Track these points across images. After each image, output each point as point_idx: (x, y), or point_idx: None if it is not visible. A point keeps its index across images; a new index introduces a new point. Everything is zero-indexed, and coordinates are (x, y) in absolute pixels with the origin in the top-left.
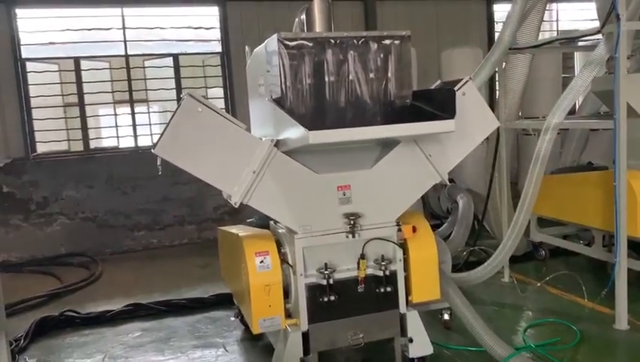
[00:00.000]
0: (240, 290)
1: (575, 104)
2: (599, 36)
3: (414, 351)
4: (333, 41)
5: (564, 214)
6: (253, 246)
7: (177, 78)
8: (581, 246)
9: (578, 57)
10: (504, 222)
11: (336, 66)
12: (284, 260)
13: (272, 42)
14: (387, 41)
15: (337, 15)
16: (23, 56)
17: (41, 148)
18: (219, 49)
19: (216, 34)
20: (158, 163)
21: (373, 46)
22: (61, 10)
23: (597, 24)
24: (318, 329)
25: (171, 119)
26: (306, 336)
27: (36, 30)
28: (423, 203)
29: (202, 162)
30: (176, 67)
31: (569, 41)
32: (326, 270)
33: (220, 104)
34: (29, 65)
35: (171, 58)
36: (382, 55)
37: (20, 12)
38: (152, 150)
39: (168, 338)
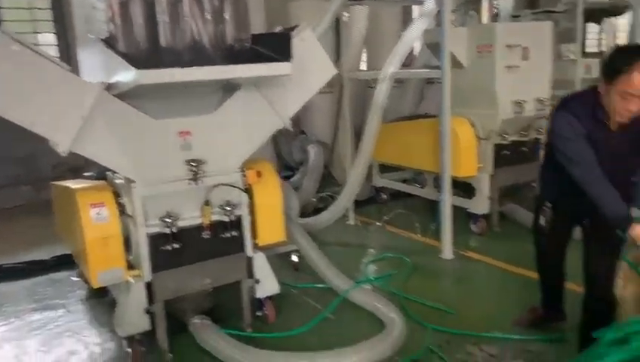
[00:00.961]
0: (77, 246)
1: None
2: None
3: (261, 292)
4: None
5: (401, 160)
6: (88, 198)
7: None
8: (416, 188)
9: (416, 12)
10: (348, 169)
11: (170, 6)
12: (122, 211)
13: None
14: None
15: None
16: None
17: None
18: None
19: None
20: None
21: None
22: None
23: None
24: (162, 277)
25: None
26: (149, 286)
27: None
28: (277, 156)
29: (22, 107)
30: None
31: None
32: (169, 218)
33: (53, 53)
34: None
35: None
36: None
37: None
38: None
39: (0, 304)
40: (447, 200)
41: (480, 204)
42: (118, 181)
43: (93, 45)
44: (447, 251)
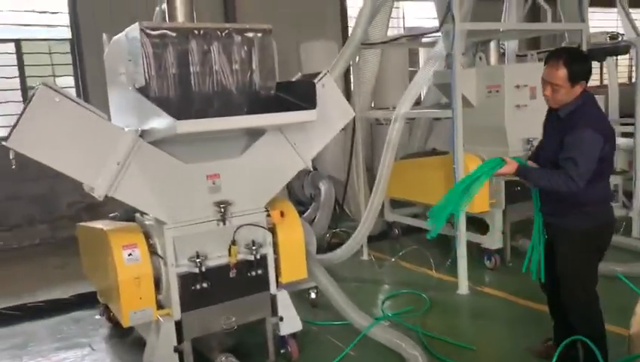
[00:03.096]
0: (107, 286)
1: (420, 95)
2: (440, 34)
3: (285, 329)
4: (196, 32)
5: (412, 195)
6: (121, 240)
7: (21, 65)
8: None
9: (422, 53)
10: (361, 205)
11: (201, 57)
12: (153, 251)
13: (133, 31)
14: (250, 34)
15: (196, 2)
16: None
17: None
18: (68, 35)
19: (65, 19)
20: (11, 156)
21: (237, 38)
22: None
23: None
24: (190, 316)
25: (25, 109)
26: (179, 325)
27: None
28: (288, 191)
29: (62, 154)
30: (19, 54)
31: (414, 38)
32: (197, 258)
33: (72, 94)
34: None
35: (13, 44)
36: (245, 47)
37: None
38: (4, 142)
39: (26, 344)
40: (462, 236)
41: (493, 240)
42: (147, 222)
43: (126, 93)
44: (463, 287)
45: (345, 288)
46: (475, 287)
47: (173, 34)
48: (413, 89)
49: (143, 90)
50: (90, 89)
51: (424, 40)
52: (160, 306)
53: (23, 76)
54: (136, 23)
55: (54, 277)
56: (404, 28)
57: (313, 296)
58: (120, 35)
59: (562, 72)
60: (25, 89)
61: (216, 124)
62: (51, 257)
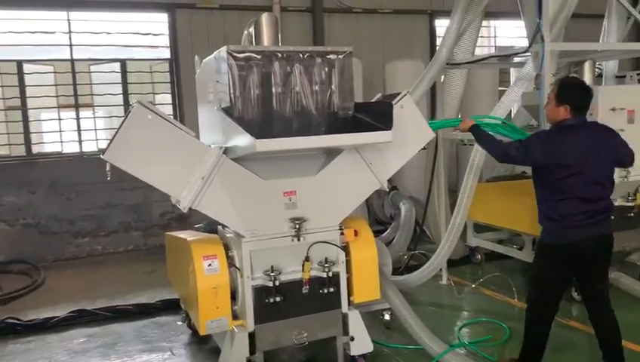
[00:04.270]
0: (187, 294)
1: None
2: (529, 53)
3: (355, 349)
4: (279, 54)
5: (498, 220)
6: (202, 250)
7: (124, 83)
8: (514, 250)
9: (513, 72)
10: (442, 227)
11: (283, 78)
12: (231, 263)
13: (221, 54)
14: (331, 56)
15: (286, 26)
16: None
17: None
18: (167, 55)
19: (165, 40)
20: (107, 168)
21: (318, 60)
22: (3, 11)
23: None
24: (263, 329)
25: (121, 126)
26: (252, 336)
27: None
28: (368, 209)
29: (152, 168)
30: (124, 72)
31: (503, 58)
32: (272, 272)
33: (168, 110)
34: None
35: (118, 63)
36: (326, 69)
37: None
38: (101, 155)
39: (114, 344)
40: None
41: None
42: (228, 235)
43: (213, 111)
44: None
45: (421, 312)
46: (560, 320)
47: (258, 56)
48: (500, 110)
49: (228, 110)
50: (186, 107)
51: (514, 60)
52: (235, 317)
53: (126, 93)
54: (224, 47)
55: (143, 282)
56: (495, 47)
57: (387, 317)
58: (210, 57)
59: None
60: (128, 104)
61: (293, 144)
62: (142, 263)
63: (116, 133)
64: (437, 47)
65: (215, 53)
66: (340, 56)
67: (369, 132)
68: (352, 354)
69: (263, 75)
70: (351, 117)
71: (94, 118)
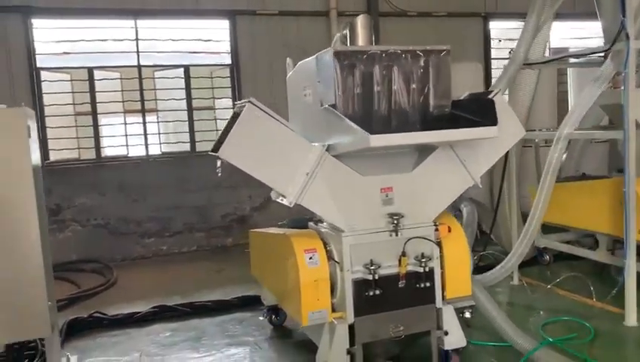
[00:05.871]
0: (283, 287)
1: None
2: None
3: (449, 344)
4: (382, 54)
5: (570, 220)
6: (302, 244)
7: (188, 88)
8: (587, 250)
9: (570, 73)
10: (513, 229)
11: (384, 77)
12: (330, 257)
13: (325, 55)
14: (429, 55)
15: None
16: (38, 65)
17: (53, 156)
18: (228, 61)
19: (226, 46)
20: (218, 165)
21: (417, 59)
22: (76, 21)
23: (590, 42)
24: (363, 321)
25: (233, 124)
26: (351, 329)
27: (51, 40)
28: None
29: (260, 164)
30: (187, 78)
31: (580, 57)
32: (372, 266)
33: (228, 114)
34: (44, 75)
35: (182, 69)
36: (424, 67)
37: (36, 22)
38: (211, 152)
39: (199, 338)
40: (632, 265)
41: None
42: (323, 230)
43: (312, 110)
44: (632, 318)
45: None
46: None
47: (362, 57)
48: (578, 109)
49: (330, 109)
50: None
51: (576, 60)
52: (333, 310)
53: (189, 98)
54: (328, 48)
55: (212, 281)
56: (549, 48)
57: (468, 315)
58: (307, 60)
59: None
60: (191, 109)
61: (405, 139)
62: (207, 262)
63: (225, 131)
64: (491, 49)
65: (316, 55)
66: (439, 55)
67: (476, 128)
68: (445, 348)
69: (365, 74)
70: (448, 114)
71: (158, 122)
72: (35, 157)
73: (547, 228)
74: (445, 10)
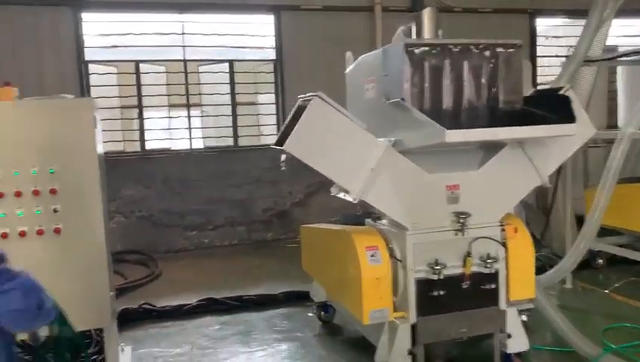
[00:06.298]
0: (341, 284)
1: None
2: None
3: (512, 347)
4: (452, 47)
5: (625, 223)
6: (364, 241)
7: (232, 83)
8: None
9: (620, 71)
10: (567, 232)
11: (453, 71)
12: (391, 255)
13: (393, 48)
14: (501, 49)
15: (388, 26)
16: (86, 58)
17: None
18: (273, 56)
19: (271, 41)
20: (282, 159)
21: (489, 52)
22: (124, 15)
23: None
24: (425, 322)
25: (296, 118)
26: (413, 328)
27: (99, 33)
28: None
29: (325, 158)
30: (231, 73)
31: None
32: (437, 265)
33: (272, 110)
34: (92, 68)
35: (227, 64)
36: (495, 61)
37: (86, 16)
38: (275, 145)
39: (249, 332)
40: None
41: None
42: (383, 227)
43: (375, 105)
44: None
45: None
46: None
47: (433, 50)
48: None
49: (398, 103)
50: (289, 106)
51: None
52: (394, 309)
53: (233, 93)
54: (395, 41)
55: (255, 275)
56: None
57: (525, 318)
58: (369, 53)
59: None
60: (234, 104)
61: (484, 135)
62: (248, 257)
63: (289, 124)
64: (537, 46)
65: (382, 48)
66: (511, 49)
67: (555, 125)
68: (508, 351)
69: (436, 67)
70: (518, 110)
71: (202, 116)
72: (100, 147)
73: (600, 231)
74: (491, 7)
